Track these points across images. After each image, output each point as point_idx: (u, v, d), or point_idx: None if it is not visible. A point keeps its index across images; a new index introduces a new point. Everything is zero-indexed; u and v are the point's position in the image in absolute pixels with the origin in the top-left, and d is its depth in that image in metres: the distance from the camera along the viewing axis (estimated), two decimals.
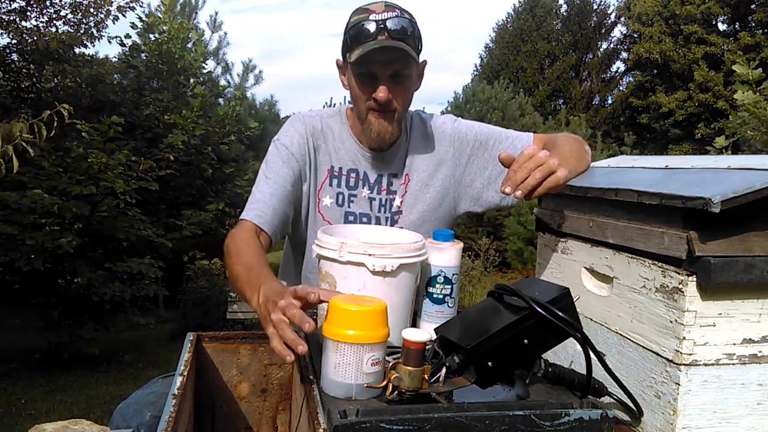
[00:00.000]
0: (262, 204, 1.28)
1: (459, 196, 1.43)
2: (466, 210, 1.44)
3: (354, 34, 1.22)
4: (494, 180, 1.40)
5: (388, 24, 1.20)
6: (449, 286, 1.04)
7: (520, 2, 22.95)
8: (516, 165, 1.02)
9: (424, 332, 0.75)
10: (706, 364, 0.81)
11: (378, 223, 1.38)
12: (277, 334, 0.81)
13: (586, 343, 0.80)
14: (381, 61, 1.22)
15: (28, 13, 6.42)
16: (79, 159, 4.80)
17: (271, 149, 1.38)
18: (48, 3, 6.51)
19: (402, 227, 1.35)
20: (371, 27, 1.20)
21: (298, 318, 0.79)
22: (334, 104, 12.09)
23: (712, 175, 0.88)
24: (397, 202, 1.39)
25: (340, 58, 1.34)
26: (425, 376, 0.74)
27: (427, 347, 0.76)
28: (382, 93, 1.23)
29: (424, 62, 1.35)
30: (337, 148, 1.38)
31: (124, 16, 6.74)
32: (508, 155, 1.05)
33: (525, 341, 0.79)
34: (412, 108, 1.40)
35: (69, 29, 6.58)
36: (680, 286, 0.81)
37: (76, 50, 6.69)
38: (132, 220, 5.21)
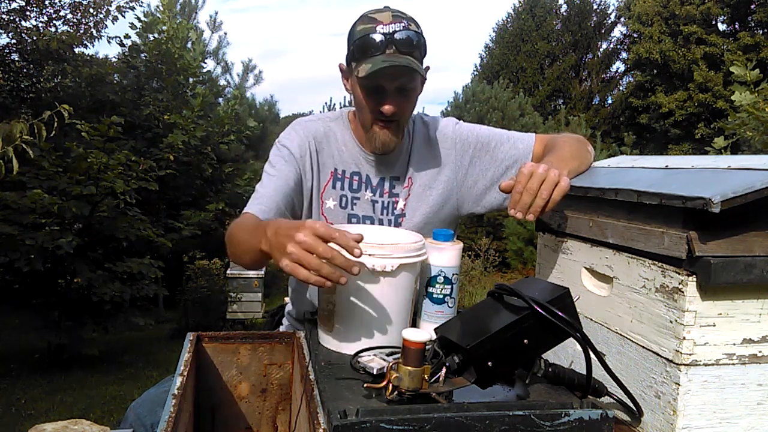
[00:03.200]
0: (266, 198, 1.28)
1: (462, 199, 1.43)
2: (469, 212, 1.44)
3: (360, 45, 1.21)
4: (496, 181, 1.40)
5: (396, 36, 1.19)
6: (449, 286, 1.04)
7: (520, 2, 22.94)
8: (519, 186, 1.03)
9: (424, 332, 0.75)
10: (706, 364, 0.81)
11: (381, 225, 1.38)
12: (302, 264, 0.83)
13: (586, 343, 0.80)
14: (388, 75, 1.21)
15: (28, 13, 6.41)
16: (78, 159, 4.79)
17: (273, 150, 1.39)
18: (47, 3, 6.51)
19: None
20: (379, 40, 1.19)
21: (340, 259, 0.83)
22: (334, 105, 12.11)
23: (712, 175, 0.88)
24: (400, 205, 1.39)
25: (344, 63, 1.33)
26: (425, 376, 0.74)
27: (427, 347, 0.76)
28: (388, 107, 1.24)
29: (427, 67, 1.35)
30: (340, 151, 1.39)
31: (123, 16, 6.73)
32: (509, 184, 1.06)
33: (525, 341, 0.79)
34: None
35: (68, 29, 6.57)
36: (680, 286, 0.81)
37: (76, 50, 6.68)
38: (132, 220, 5.20)
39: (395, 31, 1.20)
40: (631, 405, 0.87)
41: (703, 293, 0.80)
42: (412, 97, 1.30)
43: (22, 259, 4.38)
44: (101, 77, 6.92)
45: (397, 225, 1.39)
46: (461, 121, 1.47)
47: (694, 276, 0.79)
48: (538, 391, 0.84)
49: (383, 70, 1.18)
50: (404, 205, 1.39)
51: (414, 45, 1.21)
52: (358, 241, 0.85)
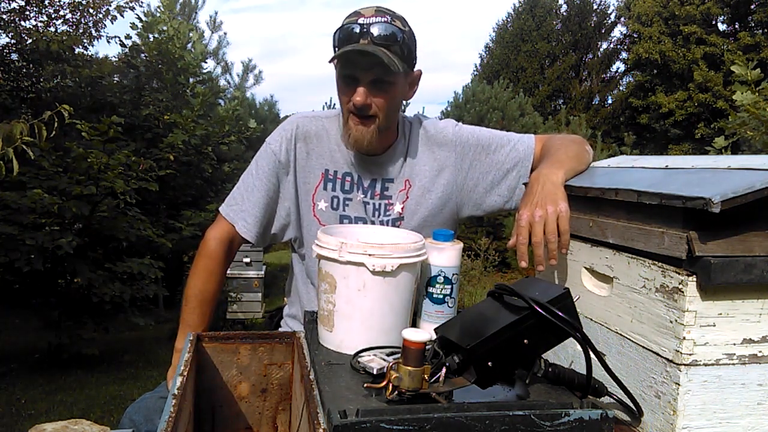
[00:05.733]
0: (249, 215, 1.38)
1: (461, 202, 1.42)
2: (469, 214, 1.44)
3: (340, 36, 1.22)
4: (497, 184, 1.39)
5: (372, 29, 1.19)
6: (449, 286, 1.04)
7: (520, 2, 22.95)
8: (522, 239, 1.05)
9: (424, 332, 0.75)
10: (706, 364, 0.81)
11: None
12: None
13: (586, 343, 0.80)
14: (360, 64, 1.21)
15: (27, 13, 6.41)
16: (79, 159, 4.78)
17: (262, 151, 1.40)
18: (47, 2, 6.50)
19: None
20: (355, 30, 1.20)
21: None
22: (334, 105, 12.10)
23: (712, 175, 0.88)
24: (397, 209, 1.38)
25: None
26: (425, 376, 0.74)
27: (427, 347, 0.76)
28: (359, 96, 1.22)
29: (419, 72, 1.34)
30: (332, 151, 1.38)
31: (122, 16, 6.73)
32: (513, 243, 1.07)
33: (525, 341, 0.79)
34: (412, 109, 1.40)
35: (68, 29, 6.57)
36: (680, 286, 0.81)
37: (76, 50, 6.68)
38: (132, 220, 5.19)
39: (373, 23, 1.20)
40: (631, 405, 0.87)
41: (703, 293, 0.80)
42: (390, 93, 1.25)
43: (22, 259, 4.37)
44: (101, 77, 6.91)
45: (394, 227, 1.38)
46: (461, 123, 1.47)
47: (694, 276, 0.79)
48: (538, 391, 0.84)
49: (353, 55, 1.19)
50: (402, 208, 1.38)
51: (392, 39, 1.20)
52: None
